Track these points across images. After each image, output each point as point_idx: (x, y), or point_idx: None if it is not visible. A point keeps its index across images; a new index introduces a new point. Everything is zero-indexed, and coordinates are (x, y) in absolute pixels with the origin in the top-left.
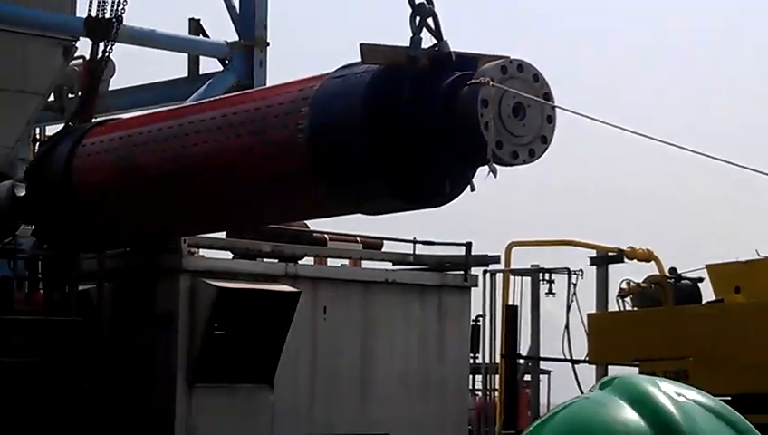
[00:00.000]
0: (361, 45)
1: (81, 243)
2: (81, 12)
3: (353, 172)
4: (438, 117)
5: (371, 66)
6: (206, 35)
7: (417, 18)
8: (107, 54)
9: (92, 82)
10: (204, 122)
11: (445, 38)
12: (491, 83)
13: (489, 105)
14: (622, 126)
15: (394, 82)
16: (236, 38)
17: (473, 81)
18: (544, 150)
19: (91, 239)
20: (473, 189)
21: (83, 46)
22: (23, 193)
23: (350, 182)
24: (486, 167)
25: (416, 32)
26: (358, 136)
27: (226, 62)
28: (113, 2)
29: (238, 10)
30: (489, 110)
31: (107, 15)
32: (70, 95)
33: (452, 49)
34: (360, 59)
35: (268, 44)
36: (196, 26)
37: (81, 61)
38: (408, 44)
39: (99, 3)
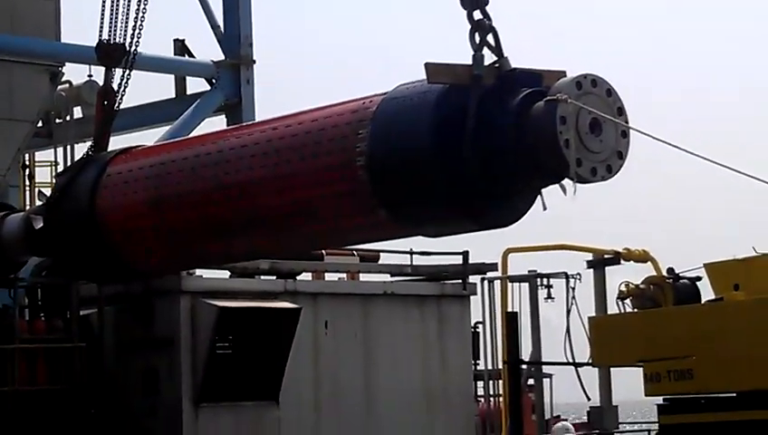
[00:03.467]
0: (426, 65)
1: (105, 276)
2: (66, 37)
3: (419, 196)
4: (510, 136)
5: (432, 86)
6: (191, 55)
7: (477, 35)
8: (125, 82)
9: (108, 110)
10: (246, 148)
11: (506, 54)
12: (569, 100)
13: (567, 122)
14: (698, 153)
15: (460, 101)
16: (222, 57)
17: (549, 97)
18: (621, 166)
19: (117, 272)
20: (545, 208)
21: (70, 72)
22: (40, 226)
23: (414, 206)
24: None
25: (477, 49)
26: (426, 159)
27: (213, 81)
28: (127, 27)
29: (223, 29)
30: (568, 127)
31: (119, 41)
32: (57, 120)
33: (513, 65)
34: (424, 77)
35: (254, 62)
36: (181, 47)
37: (67, 86)
38: (471, 62)
39: (110, 27)
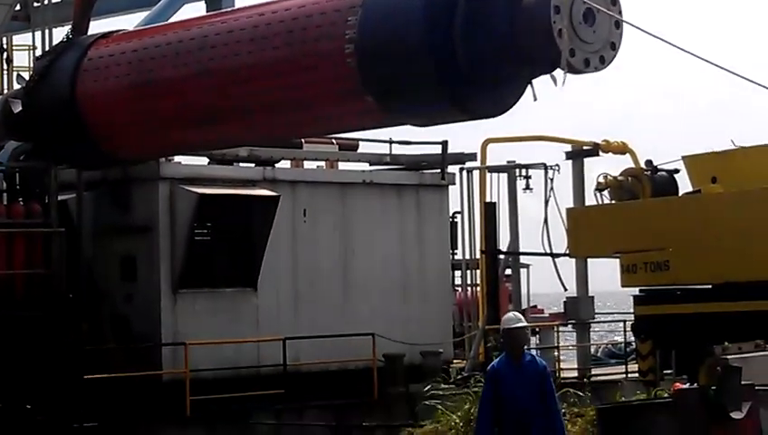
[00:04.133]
0: None
1: (85, 161)
2: None
3: (408, 82)
4: (502, 23)
5: None
6: None
7: None
8: None
9: None
10: (232, 33)
11: None
12: None
13: (561, 11)
14: (687, 49)
15: None
16: None
17: None
18: (614, 57)
19: (97, 158)
20: (535, 99)
21: None
22: (18, 110)
23: (403, 93)
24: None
25: None
26: (416, 45)
27: None
28: None
29: None
30: (562, 16)
31: None
32: (35, 4)
33: None
34: None
35: None
36: None
37: None
38: None
39: None
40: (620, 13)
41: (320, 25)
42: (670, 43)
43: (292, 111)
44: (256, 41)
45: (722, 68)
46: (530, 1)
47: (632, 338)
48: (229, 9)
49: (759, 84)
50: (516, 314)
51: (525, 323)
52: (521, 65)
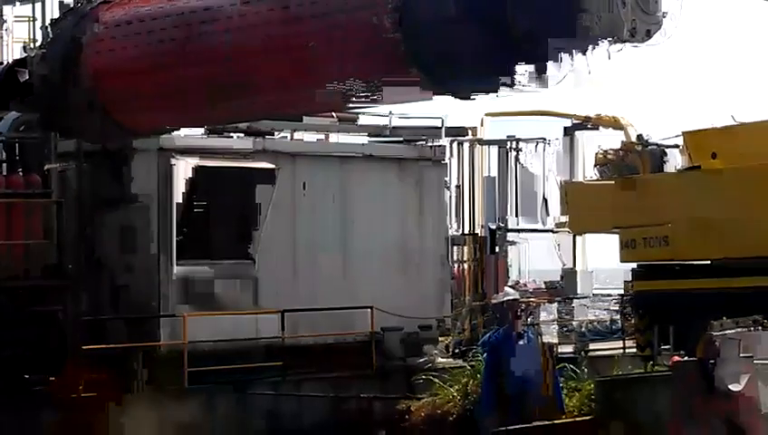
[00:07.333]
0: None
1: (95, 133)
2: None
3: (458, 56)
4: None
5: None
6: None
7: None
8: None
9: None
10: (260, 3)
11: None
12: None
13: None
14: None
15: None
16: None
17: None
18: (672, 27)
19: (107, 129)
20: (589, 73)
21: None
22: (26, 78)
23: (452, 66)
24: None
25: None
26: (467, 16)
27: None
28: None
29: None
30: None
31: None
32: None
33: None
34: None
35: None
36: None
37: None
38: None
39: None
40: None
41: None
42: None
43: (329, 83)
44: (290, 9)
45: None
46: None
47: (617, 316)
48: None
49: None
50: (512, 289)
51: (518, 297)
52: (574, 39)
